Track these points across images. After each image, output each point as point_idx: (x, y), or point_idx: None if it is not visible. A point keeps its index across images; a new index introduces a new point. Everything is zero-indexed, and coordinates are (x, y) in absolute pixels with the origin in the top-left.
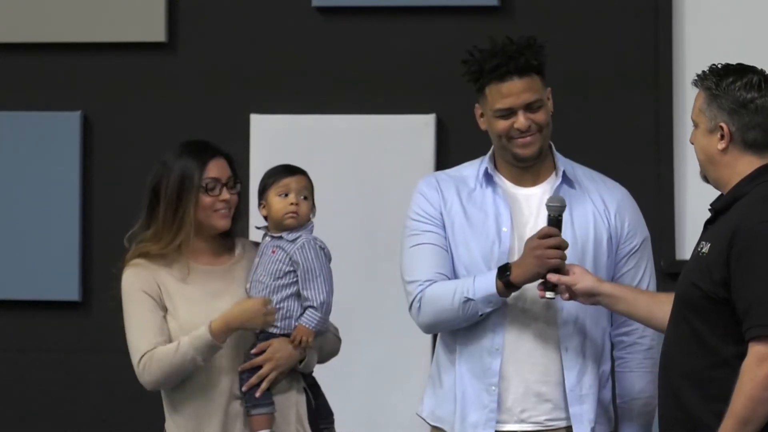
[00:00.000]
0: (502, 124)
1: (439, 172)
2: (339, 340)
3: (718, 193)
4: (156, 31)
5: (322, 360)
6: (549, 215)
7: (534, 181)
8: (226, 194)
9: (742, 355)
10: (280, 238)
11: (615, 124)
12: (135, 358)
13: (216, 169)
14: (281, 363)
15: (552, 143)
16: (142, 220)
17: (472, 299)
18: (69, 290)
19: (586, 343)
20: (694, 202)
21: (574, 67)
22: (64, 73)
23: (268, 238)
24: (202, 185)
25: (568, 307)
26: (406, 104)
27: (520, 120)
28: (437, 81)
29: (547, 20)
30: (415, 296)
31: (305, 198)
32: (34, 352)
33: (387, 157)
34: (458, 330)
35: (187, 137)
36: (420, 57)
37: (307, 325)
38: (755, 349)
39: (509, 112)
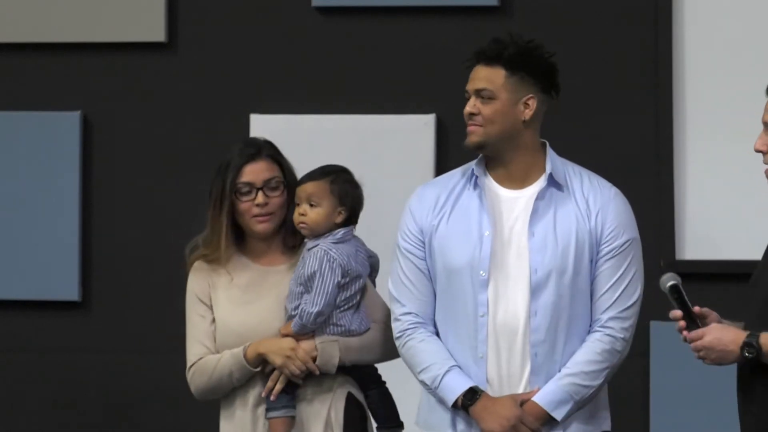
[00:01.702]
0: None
1: (432, 182)
2: (385, 343)
3: (716, 194)
4: (156, 31)
5: (365, 360)
6: (673, 297)
7: (522, 182)
8: (261, 198)
9: None
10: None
11: (615, 124)
12: (187, 367)
13: (252, 173)
14: (281, 363)
15: (547, 142)
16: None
17: (430, 388)
18: (69, 290)
19: (557, 350)
20: (694, 203)
21: (574, 67)
22: (64, 73)
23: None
24: (236, 190)
25: (540, 322)
26: (406, 104)
27: (468, 104)
28: (437, 81)
29: (547, 20)
30: (396, 335)
31: (313, 205)
32: (34, 352)
33: (387, 157)
34: (447, 340)
35: (187, 137)
36: (420, 57)
37: (291, 324)
38: None
39: (468, 96)
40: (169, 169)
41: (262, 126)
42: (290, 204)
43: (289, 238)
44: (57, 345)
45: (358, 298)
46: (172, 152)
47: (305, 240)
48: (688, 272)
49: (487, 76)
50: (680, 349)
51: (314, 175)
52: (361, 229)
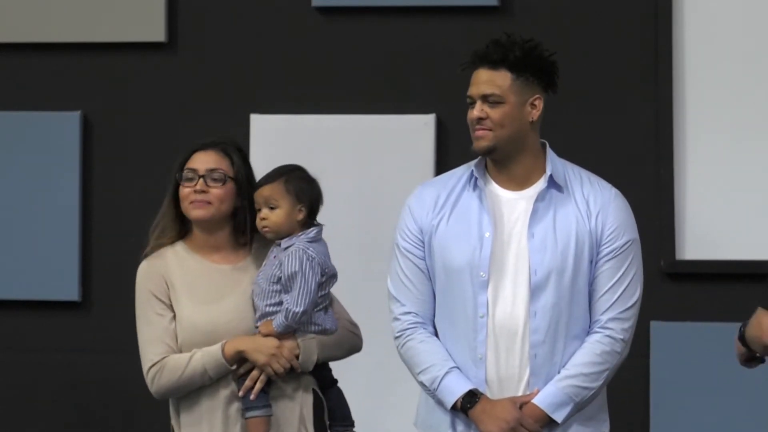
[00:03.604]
0: (469, 113)
1: (431, 181)
2: (355, 335)
3: (716, 194)
4: (156, 31)
5: (334, 357)
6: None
7: (522, 183)
8: (200, 184)
9: None
10: (279, 244)
11: (615, 123)
12: (144, 367)
13: (198, 160)
14: (264, 361)
15: (547, 143)
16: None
17: (429, 390)
18: (69, 290)
19: (557, 351)
20: (694, 202)
21: (574, 66)
22: (64, 73)
23: (275, 243)
24: (181, 175)
25: (539, 323)
26: (406, 104)
27: (474, 110)
28: (437, 81)
29: (547, 20)
30: (395, 335)
31: (272, 207)
32: (34, 352)
33: (387, 157)
34: (446, 340)
35: (187, 137)
36: (420, 57)
37: (273, 324)
38: None
39: (472, 101)
40: (169, 169)
41: (262, 126)
42: (245, 203)
43: (240, 237)
44: (57, 345)
45: (330, 298)
46: (172, 152)
47: (255, 237)
48: (688, 272)
49: (492, 80)
50: (680, 349)
51: (268, 178)
52: (361, 229)
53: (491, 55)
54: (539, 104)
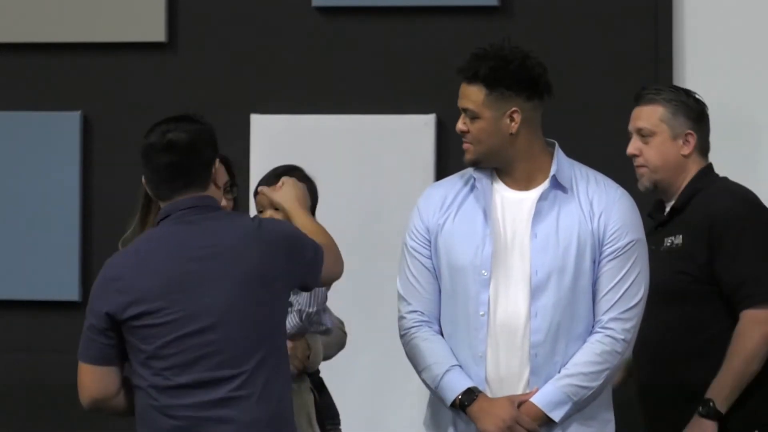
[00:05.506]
0: None
1: (441, 181)
2: (344, 333)
3: None
4: (156, 31)
5: (329, 355)
6: None
7: (527, 184)
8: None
9: (728, 329)
10: None
11: (615, 123)
12: None
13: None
14: None
15: (556, 143)
16: (137, 222)
17: (431, 387)
18: (69, 290)
19: (557, 351)
20: None
21: (574, 66)
22: (64, 73)
23: None
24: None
25: (540, 323)
26: (406, 104)
27: (459, 122)
28: (437, 81)
29: (546, 20)
30: (401, 333)
31: (278, 209)
32: (34, 352)
33: (387, 157)
34: (449, 338)
35: None
36: (420, 57)
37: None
38: (750, 314)
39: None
40: None
41: (262, 126)
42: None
43: None
44: (57, 345)
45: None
46: None
47: None
48: None
49: (469, 95)
50: None
51: (271, 181)
52: (361, 229)
53: (466, 70)
54: (517, 117)
